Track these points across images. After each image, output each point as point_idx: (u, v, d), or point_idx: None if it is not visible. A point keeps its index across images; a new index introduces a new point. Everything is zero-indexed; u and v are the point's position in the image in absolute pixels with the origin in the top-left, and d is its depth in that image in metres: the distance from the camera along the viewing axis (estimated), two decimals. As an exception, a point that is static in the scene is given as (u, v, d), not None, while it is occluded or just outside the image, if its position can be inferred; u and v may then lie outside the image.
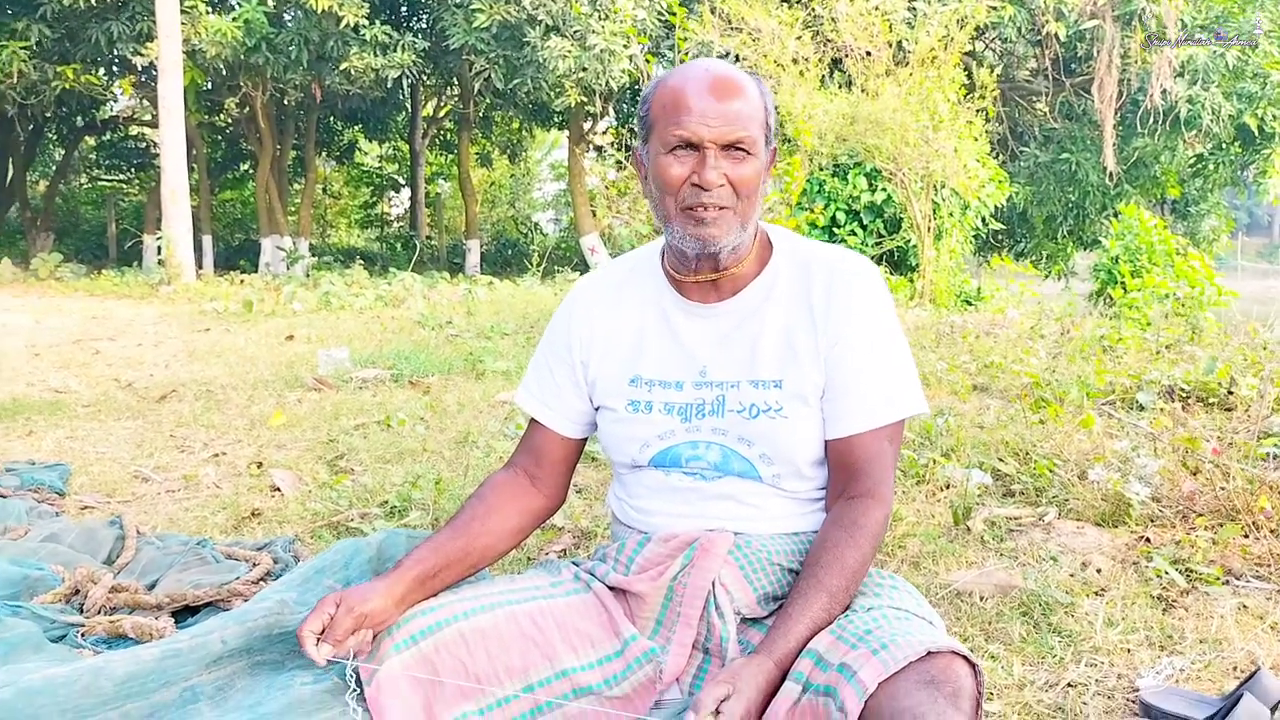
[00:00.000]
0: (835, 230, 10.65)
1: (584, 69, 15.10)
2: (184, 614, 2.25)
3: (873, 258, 10.65)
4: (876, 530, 1.52)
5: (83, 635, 2.09)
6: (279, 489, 3.41)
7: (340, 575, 1.85)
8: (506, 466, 1.78)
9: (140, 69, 18.00)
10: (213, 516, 3.14)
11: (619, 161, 11.77)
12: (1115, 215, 14.30)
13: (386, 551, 1.93)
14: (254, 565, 2.48)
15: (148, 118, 21.95)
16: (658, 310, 1.68)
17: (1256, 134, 16.41)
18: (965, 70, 10.79)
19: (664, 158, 1.53)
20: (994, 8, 14.58)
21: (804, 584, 1.47)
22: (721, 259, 1.58)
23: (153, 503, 3.33)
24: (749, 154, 1.52)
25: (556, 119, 22.70)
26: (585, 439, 1.80)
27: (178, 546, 2.69)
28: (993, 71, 11.00)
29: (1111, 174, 16.76)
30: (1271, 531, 2.56)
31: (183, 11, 15.08)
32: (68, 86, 17.05)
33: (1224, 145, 17.38)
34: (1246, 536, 2.59)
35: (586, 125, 20.88)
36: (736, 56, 11.09)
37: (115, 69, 19.32)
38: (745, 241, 1.60)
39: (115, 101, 22.75)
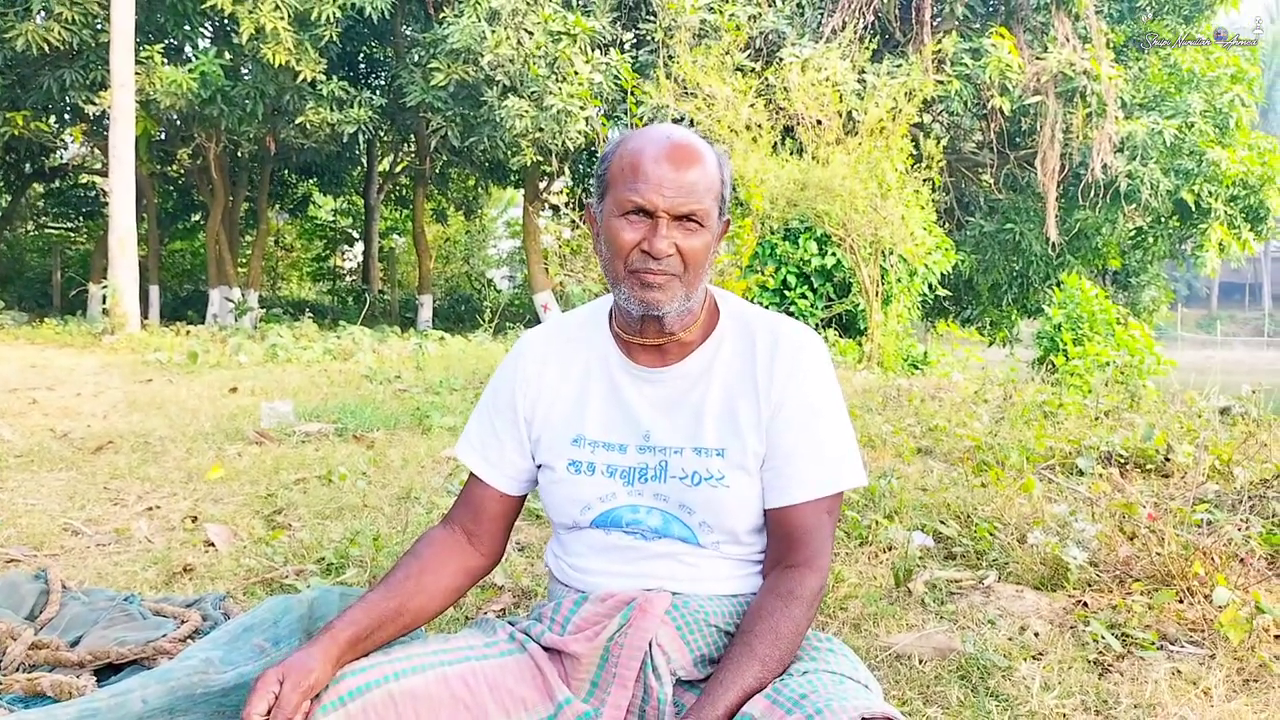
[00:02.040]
0: (786, 293, 10.78)
1: (540, 129, 15.25)
2: (107, 672, 2.17)
3: (822, 321, 10.79)
4: (812, 599, 1.53)
5: (-2, 694, 2.01)
6: (213, 544, 3.33)
7: (269, 633, 1.80)
8: (444, 523, 1.75)
9: (92, 117, 17.88)
10: (143, 571, 3.06)
11: (574, 221, 11.85)
12: (1058, 285, 14.65)
13: (318, 610, 1.89)
14: (182, 622, 2.41)
15: (98, 166, 21.75)
16: (604, 371, 1.68)
17: (1194, 209, 16.95)
18: (913, 141, 11.05)
19: (616, 220, 1.54)
20: (941, 82, 15.02)
21: (736, 651, 1.46)
22: (666, 323, 1.59)
23: (82, 556, 3.23)
24: (701, 226, 1.54)
25: (512, 177, 22.84)
26: (525, 496, 1.78)
27: (104, 602, 2.61)
28: (939, 143, 11.25)
29: (1054, 244, 17.19)
30: (1205, 597, 2.59)
31: (138, 62, 15.02)
32: (17, 133, 16.87)
33: (1163, 219, 17.92)
34: (1181, 601, 2.62)
35: (542, 184, 21.04)
36: (691, 121, 11.28)
37: (66, 116, 19.16)
38: (692, 308, 1.61)
39: (65, 149, 22.54)
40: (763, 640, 1.46)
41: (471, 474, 1.75)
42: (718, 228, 1.60)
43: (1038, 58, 16.29)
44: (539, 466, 1.72)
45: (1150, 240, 18.58)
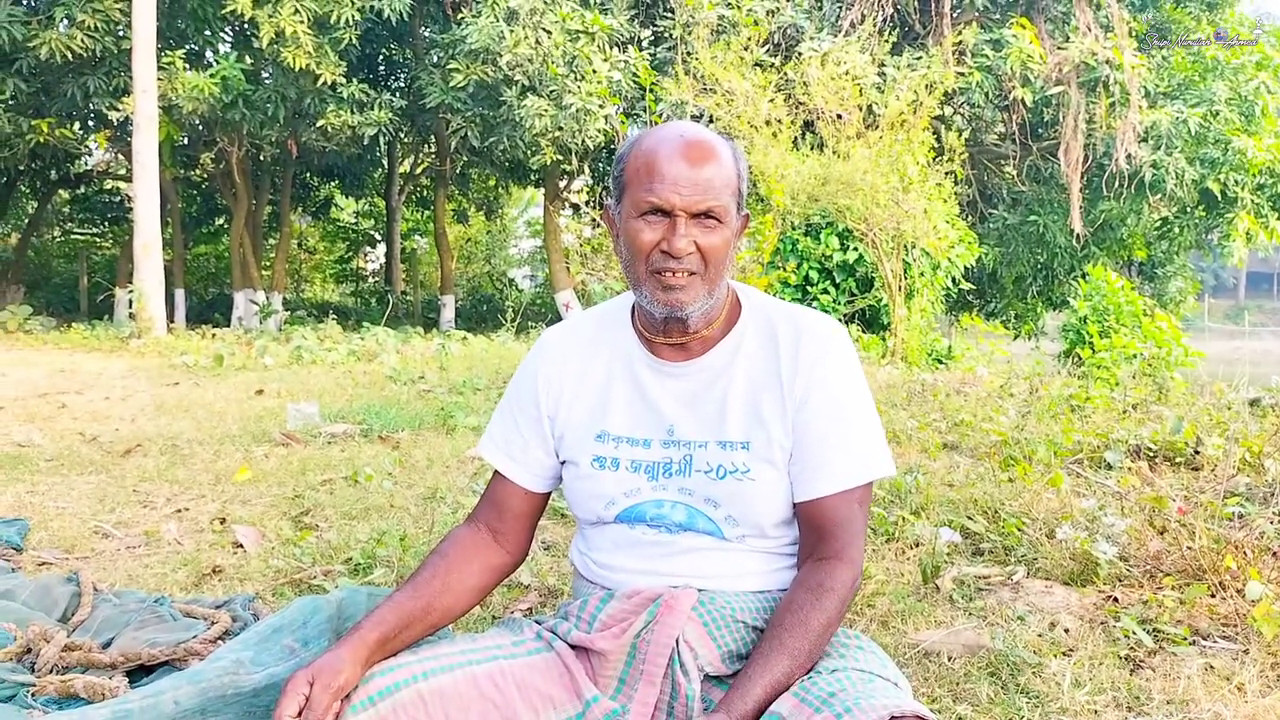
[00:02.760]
0: (808, 289, 10.75)
1: (560, 128, 15.26)
2: (139, 673, 2.19)
3: (845, 316, 10.75)
4: (843, 593, 1.52)
5: (33, 695, 2.04)
6: (241, 545, 3.36)
7: (298, 634, 1.81)
8: (468, 521, 1.75)
9: (116, 123, 18.04)
10: (173, 573, 3.08)
11: (594, 219, 11.86)
12: (1083, 276, 14.52)
13: (347, 610, 1.90)
14: (212, 623, 2.43)
15: (123, 172, 21.96)
16: (626, 366, 1.68)
17: (1219, 198, 16.77)
18: (934, 134, 10.99)
19: (635, 221, 1.54)
20: (962, 73, 14.92)
21: (766, 645, 1.46)
22: (690, 323, 1.59)
23: (112, 559, 3.26)
24: (720, 223, 1.53)
25: (533, 177, 22.89)
26: (549, 493, 1.78)
27: (135, 604, 2.63)
28: (961, 135, 11.20)
29: (1079, 236, 17.05)
30: (1238, 591, 2.56)
31: (160, 68, 15.15)
32: (42, 140, 17.04)
33: (1188, 209, 17.74)
34: (1213, 596, 2.59)
35: (562, 183, 21.06)
36: (711, 117, 11.26)
37: (90, 123, 19.34)
38: (714, 305, 1.61)
39: (90, 155, 22.74)
40: (792, 634, 1.46)
41: (495, 472, 1.76)
42: (736, 223, 1.59)
43: (1059, 48, 16.16)
44: (563, 463, 1.72)
45: (1176, 230, 18.41)
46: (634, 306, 1.70)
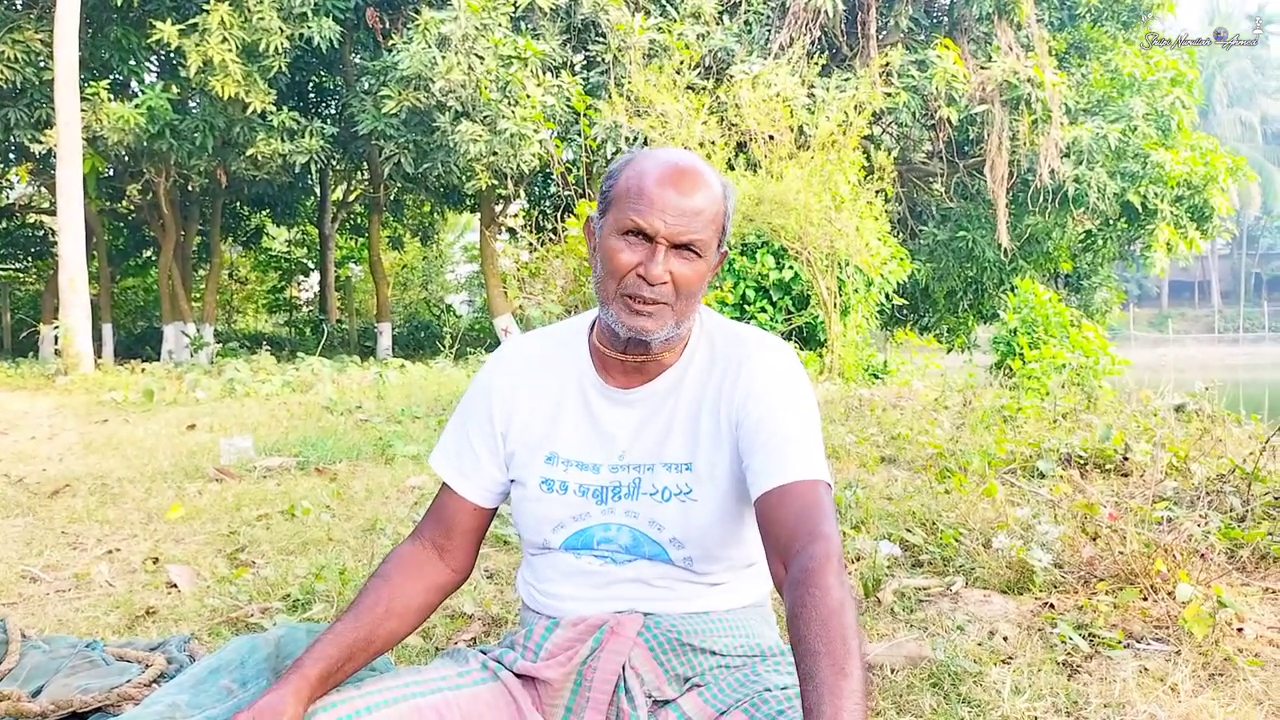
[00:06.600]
0: (745, 307, 10.84)
1: (494, 153, 15.23)
2: (70, 722, 2.13)
3: (782, 334, 10.84)
4: (823, 564, 1.32)
5: (-42, 749, 1.97)
6: (175, 585, 3.28)
7: (236, 674, 1.77)
8: (412, 538, 1.72)
9: (38, 156, 17.63)
10: (105, 616, 3.00)
11: (531, 244, 11.85)
12: (1012, 289, 14.85)
13: (285, 648, 1.86)
14: (147, 666, 2.37)
15: (46, 205, 21.45)
16: (578, 390, 1.67)
17: (1140, 210, 17.24)
18: (864, 153, 11.18)
19: (615, 240, 1.52)
20: (889, 94, 15.21)
21: (805, 671, 1.22)
22: (653, 348, 1.58)
23: (41, 604, 3.17)
24: (699, 256, 1.52)
25: (468, 202, 22.79)
26: (496, 509, 1.76)
27: (66, 649, 2.56)
28: (890, 154, 11.40)
29: (1006, 250, 17.42)
30: (1169, 594, 2.62)
31: (83, 99, 14.85)
32: (-40, 174, 16.62)
33: (1111, 222, 18.22)
34: (1145, 599, 2.65)
35: (498, 208, 21.01)
36: (645, 139, 11.34)
37: (12, 156, 18.89)
38: (681, 334, 1.60)
39: (11, 189, 22.20)
40: (818, 639, 1.23)
41: (444, 485, 1.73)
42: (714, 258, 1.58)
43: (982, 67, 16.56)
44: (512, 481, 1.71)
45: (1100, 243, 18.89)
46: (594, 324, 1.69)
